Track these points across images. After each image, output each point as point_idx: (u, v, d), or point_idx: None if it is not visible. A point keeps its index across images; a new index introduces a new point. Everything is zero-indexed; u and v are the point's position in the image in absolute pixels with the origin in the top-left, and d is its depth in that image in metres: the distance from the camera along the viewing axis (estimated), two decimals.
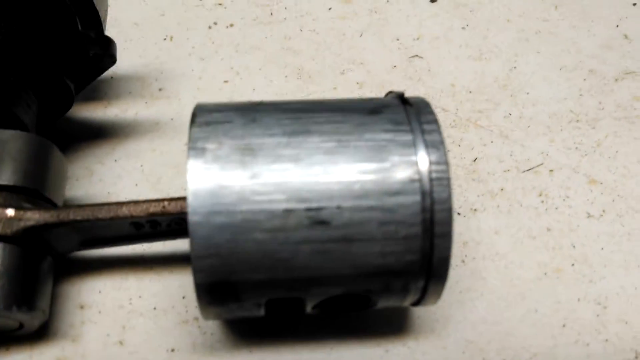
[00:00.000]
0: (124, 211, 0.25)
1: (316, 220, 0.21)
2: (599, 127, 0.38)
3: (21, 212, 0.24)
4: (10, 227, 0.24)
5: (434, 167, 0.21)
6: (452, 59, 0.42)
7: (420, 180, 0.21)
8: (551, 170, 0.35)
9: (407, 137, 0.22)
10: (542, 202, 0.33)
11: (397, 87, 0.39)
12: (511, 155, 0.36)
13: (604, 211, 0.33)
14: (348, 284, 0.22)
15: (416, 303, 0.24)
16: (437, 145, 0.22)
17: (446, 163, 0.21)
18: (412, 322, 0.28)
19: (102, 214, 0.25)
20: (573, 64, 0.42)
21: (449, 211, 0.21)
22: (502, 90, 0.40)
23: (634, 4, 0.46)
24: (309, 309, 0.23)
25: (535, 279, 0.30)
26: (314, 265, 0.21)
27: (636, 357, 0.27)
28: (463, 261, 0.30)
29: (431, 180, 0.21)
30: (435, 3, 0.46)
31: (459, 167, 0.35)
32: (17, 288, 0.24)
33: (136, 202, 0.25)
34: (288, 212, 0.21)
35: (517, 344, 0.27)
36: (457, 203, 0.33)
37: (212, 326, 0.28)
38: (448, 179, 0.21)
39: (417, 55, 0.41)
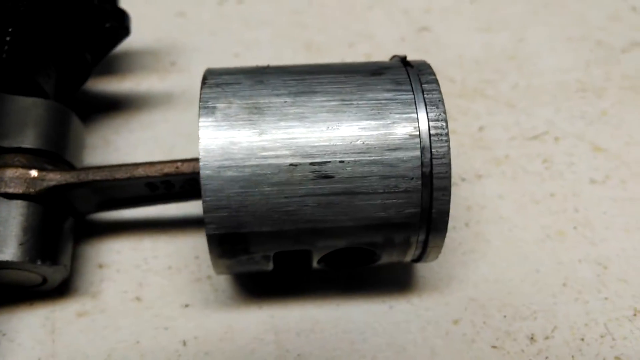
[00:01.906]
0: (140, 171, 0.26)
1: (320, 174, 0.22)
2: (605, 96, 0.38)
3: (44, 173, 0.26)
4: (34, 186, 0.25)
5: (432, 124, 0.22)
6: (461, 31, 0.42)
7: (419, 136, 0.22)
8: (556, 138, 0.35)
9: (408, 96, 0.23)
10: (547, 168, 0.34)
11: None
12: (517, 123, 0.36)
13: (607, 177, 0.33)
14: (351, 237, 0.23)
15: (418, 259, 0.25)
16: (436, 103, 0.23)
17: (444, 120, 0.22)
18: (415, 281, 0.29)
19: (119, 174, 0.26)
20: (580, 35, 0.42)
21: (447, 165, 0.22)
22: (509, 61, 0.40)
23: None
24: (315, 263, 0.25)
25: (538, 241, 0.30)
26: (319, 218, 0.22)
27: (634, 314, 0.28)
28: (467, 224, 0.31)
29: (430, 136, 0.22)
30: None
31: (465, 136, 0.35)
32: (41, 243, 0.25)
33: (151, 163, 0.26)
34: (293, 166, 0.22)
35: (518, 301, 0.28)
36: (463, 169, 0.34)
37: (224, 283, 0.29)
38: (446, 135, 0.22)
39: (425, 28, 0.42)
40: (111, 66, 0.39)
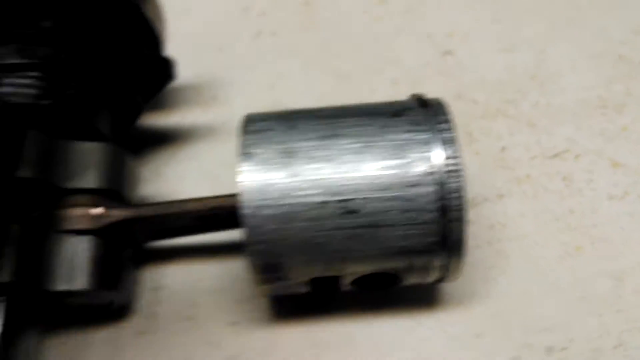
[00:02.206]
0: (189, 207, 0.30)
1: (347, 210, 0.25)
2: (625, 112, 0.39)
3: (106, 211, 0.29)
4: (98, 223, 0.29)
5: (447, 162, 0.25)
6: (483, 53, 0.44)
7: (435, 173, 0.24)
8: (576, 156, 0.37)
9: (424, 136, 0.25)
10: (567, 186, 0.36)
11: (429, 83, 0.42)
12: (538, 142, 0.38)
13: (625, 192, 0.35)
14: (376, 263, 0.26)
15: (440, 280, 0.27)
16: (450, 142, 0.25)
17: (458, 157, 0.25)
18: (441, 298, 0.31)
19: (172, 209, 0.30)
20: (602, 50, 0.43)
21: (461, 199, 0.24)
22: (531, 80, 0.42)
23: None
24: (346, 286, 0.27)
25: (557, 257, 0.32)
26: (346, 248, 0.25)
27: None
28: (489, 242, 0.33)
29: (445, 172, 0.24)
30: None
31: (488, 156, 0.38)
32: (106, 272, 0.29)
33: (199, 199, 0.30)
34: (323, 204, 0.25)
35: (537, 314, 0.30)
36: (485, 190, 0.36)
37: (267, 303, 0.32)
38: (460, 171, 0.25)
39: (449, 52, 0.44)
40: (158, 103, 0.42)
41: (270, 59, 0.45)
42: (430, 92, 0.36)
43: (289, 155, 0.25)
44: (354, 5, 0.48)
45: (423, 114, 0.26)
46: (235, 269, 0.34)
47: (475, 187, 0.36)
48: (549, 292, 0.31)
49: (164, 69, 0.35)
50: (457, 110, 0.37)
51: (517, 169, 0.37)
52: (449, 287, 0.32)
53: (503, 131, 0.39)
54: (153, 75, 0.35)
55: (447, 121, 0.26)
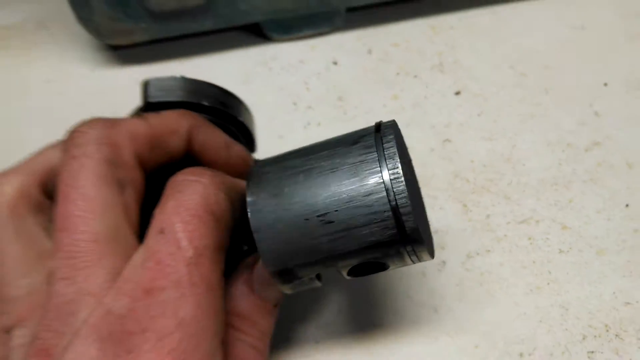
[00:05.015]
0: None
1: (325, 221, 0.31)
2: (572, 187, 0.56)
3: None
4: None
5: (391, 172, 0.31)
6: (472, 141, 0.60)
7: (383, 182, 0.31)
8: (537, 221, 0.54)
9: (374, 155, 0.32)
10: (531, 243, 0.52)
11: (434, 166, 0.58)
12: (511, 211, 0.54)
13: (570, 248, 0.52)
14: (359, 256, 0.32)
15: (417, 261, 0.34)
16: (391, 157, 0.31)
17: (398, 167, 0.31)
18: (448, 323, 0.48)
19: None
20: (556, 139, 0.60)
21: (406, 197, 0.31)
22: (506, 163, 0.58)
23: (605, 84, 0.65)
24: (345, 275, 0.34)
25: (525, 293, 0.48)
26: (333, 248, 0.32)
27: (583, 338, 0.46)
28: (480, 284, 0.49)
29: (390, 180, 0.31)
30: (459, 95, 0.65)
31: (478, 222, 0.54)
32: None
33: None
34: (307, 219, 0.32)
35: (511, 333, 0.46)
36: (476, 247, 0.52)
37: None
38: (400, 177, 0.31)
39: (448, 140, 0.61)
40: None
41: None
42: (435, 173, 0.53)
43: (281, 190, 0.33)
44: (375, 101, 0.64)
45: (374, 138, 0.32)
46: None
47: (470, 245, 0.52)
48: (519, 317, 0.47)
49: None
50: (455, 187, 0.54)
51: (497, 231, 0.53)
52: (451, 316, 0.48)
53: (487, 203, 0.55)
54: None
55: (389, 141, 0.32)
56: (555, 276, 0.50)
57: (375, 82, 0.66)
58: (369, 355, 0.46)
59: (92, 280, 0.28)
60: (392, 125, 0.34)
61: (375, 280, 0.50)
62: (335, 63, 0.68)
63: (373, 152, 0.32)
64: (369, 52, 0.70)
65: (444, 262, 0.51)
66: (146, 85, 0.40)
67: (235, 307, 0.35)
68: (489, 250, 0.52)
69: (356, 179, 0.32)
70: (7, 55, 0.68)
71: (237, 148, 0.40)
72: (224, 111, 0.40)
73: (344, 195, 0.31)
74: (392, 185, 0.31)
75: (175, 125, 0.36)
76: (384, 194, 0.31)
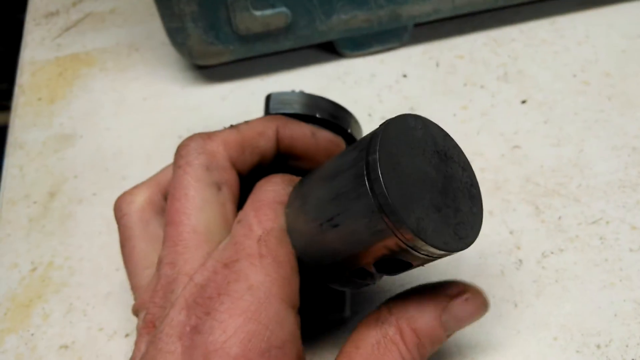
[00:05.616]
0: None
1: (333, 225, 0.33)
2: (638, 190, 0.59)
3: None
4: None
5: (371, 157, 0.31)
6: (540, 147, 0.64)
7: (368, 181, 0.31)
8: (607, 222, 0.57)
9: (363, 154, 0.31)
10: (602, 243, 0.56)
11: (506, 171, 0.63)
12: (582, 213, 0.58)
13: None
14: (368, 256, 0.33)
15: (424, 250, 0.31)
16: (374, 147, 0.31)
17: (376, 155, 0.30)
18: (516, 321, 0.52)
19: None
20: (621, 143, 0.64)
21: (390, 206, 0.30)
22: (574, 167, 0.62)
23: None
24: (375, 273, 0.34)
25: (599, 289, 0.52)
26: (346, 249, 0.33)
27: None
28: (556, 281, 0.54)
29: (369, 163, 0.31)
30: (525, 104, 0.69)
31: (550, 223, 0.58)
32: None
33: None
34: (320, 226, 0.34)
35: (588, 324, 0.50)
36: (550, 246, 0.56)
37: None
38: (377, 163, 0.30)
39: (517, 146, 0.65)
40: None
41: None
42: (507, 177, 0.57)
43: (298, 212, 0.35)
44: (445, 111, 0.69)
45: (370, 139, 0.32)
46: None
47: (544, 245, 0.56)
48: (594, 311, 0.51)
49: None
50: (527, 190, 0.58)
51: (569, 231, 0.57)
52: (530, 311, 0.52)
53: (558, 205, 0.59)
54: None
55: (376, 135, 0.31)
56: (627, 273, 0.53)
57: (443, 93, 0.71)
58: (455, 347, 0.51)
59: (189, 263, 0.34)
60: (389, 123, 0.33)
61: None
62: (404, 76, 0.73)
63: (364, 147, 0.32)
64: (437, 64, 0.74)
65: (520, 261, 0.55)
66: (268, 99, 0.45)
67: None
68: (562, 250, 0.56)
69: (345, 175, 0.32)
70: (107, 76, 0.76)
71: (324, 133, 0.42)
72: (335, 123, 0.45)
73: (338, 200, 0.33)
74: (368, 171, 0.31)
75: (262, 128, 0.40)
76: (371, 199, 0.31)
